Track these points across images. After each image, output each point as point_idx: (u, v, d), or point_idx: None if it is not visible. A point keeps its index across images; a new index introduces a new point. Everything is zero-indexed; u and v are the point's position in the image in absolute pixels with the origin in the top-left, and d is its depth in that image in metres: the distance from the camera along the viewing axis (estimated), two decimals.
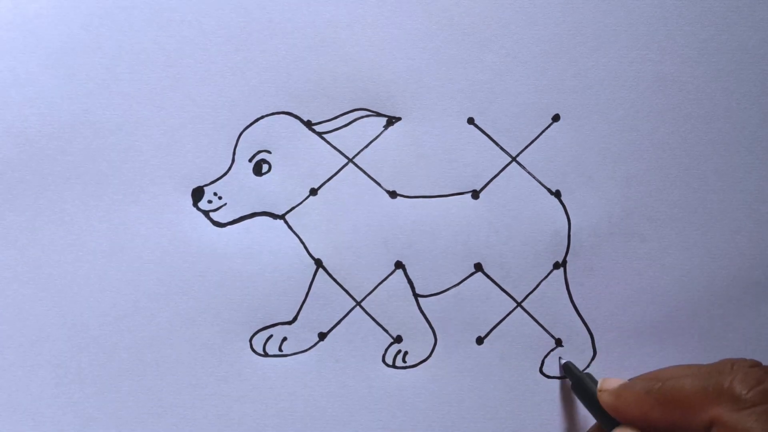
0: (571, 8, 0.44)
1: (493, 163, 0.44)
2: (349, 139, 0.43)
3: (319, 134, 0.43)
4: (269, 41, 0.43)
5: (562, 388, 0.45)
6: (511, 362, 0.45)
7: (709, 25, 0.44)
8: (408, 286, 0.44)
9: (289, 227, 0.43)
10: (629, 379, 0.40)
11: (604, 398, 0.39)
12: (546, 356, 0.45)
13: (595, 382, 0.41)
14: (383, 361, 0.44)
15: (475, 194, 0.44)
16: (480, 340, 0.45)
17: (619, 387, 0.39)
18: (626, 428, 0.38)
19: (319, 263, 0.43)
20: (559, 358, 0.44)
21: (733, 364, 0.36)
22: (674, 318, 0.45)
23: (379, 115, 0.43)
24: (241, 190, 0.43)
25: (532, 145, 0.44)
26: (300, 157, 0.43)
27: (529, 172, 0.44)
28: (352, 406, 0.44)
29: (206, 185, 0.43)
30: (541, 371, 0.45)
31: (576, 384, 0.42)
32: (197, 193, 0.43)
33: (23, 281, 0.43)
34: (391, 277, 0.44)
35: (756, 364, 0.36)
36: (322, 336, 0.44)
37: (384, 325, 0.44)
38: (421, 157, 0.44)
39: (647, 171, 0.44)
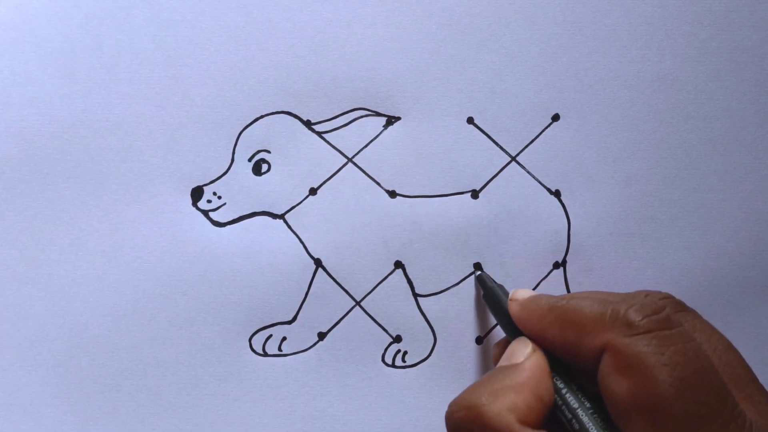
0: (571, 8, 0.44)
1: (492, 162, 0.44)
2: (349, 138, 0.43)
3: (319, 134, 0.43)
4: (269, 41, 0.43)
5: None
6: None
7: (709, 25, 0.44)
8: (408, 285, 0.44)
9: (289, 227, 0.43)
10: (543, 294, 0.39)
11: (512, 307, 0.38)
12: None
13: (507, 294, 0.40)
14: (383, 360, 0.44)
15: (475, 194, 0.44)
16: (480, 340, 0.44)
17: (527, 299, 0.38)
18: (519, 342, 0.37)
19: (318, 263, 0.43)
20: (474, 271, 0.44)
21: (644, 294, 0.35)
22: None
23: (378, 114, 0.44)
24: (240, 190, 0.43)
25: (531, 144, 0.44)
26: (299, 157, 0.43)
27: (528, 172, 0.44)
28: (351, 406, 0.44)
29: (206, 185, 0.43)
30: None
31: (488, 294, 0.42)
32: (197, 193, 0.43)
33: (23, 281, 0.43)
34: (390, 276, 0.44)
35: (666, 296, 0.35)
36: (321, 336, 0.44)
37: (383, 325, 0.44)
38: (421, 157, 0.44)
39: (647, 171, 0.44)
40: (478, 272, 0.44)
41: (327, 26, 0.43)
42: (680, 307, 0.35)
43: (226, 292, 0.43)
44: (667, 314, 0.33)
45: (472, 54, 0.44)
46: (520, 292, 0.39)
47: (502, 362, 0.37)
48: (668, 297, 0.35)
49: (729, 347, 0.34)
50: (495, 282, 0.43)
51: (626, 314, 0.33)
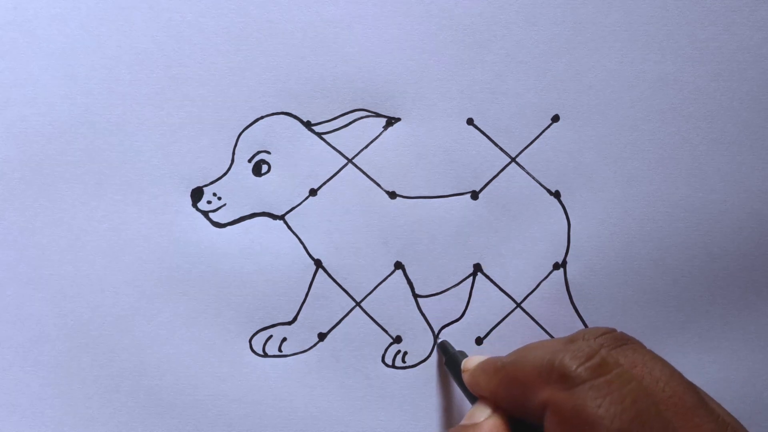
0: (571, 8, 0.44)
1: (492, 163, 0.44)
2: (349, 139, 0.43)
3: (319, 135, 0.43)
4: (269, 41, 0.43)
5: None
6: None
7: (709, 25, 0.44)
8: (408, 286, 0.44)
9: (289, 228, 0.43)
10: (492, 357, 0.39)
11: (465, 378, 0.39)
12: None
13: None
14: (383, 361, 0.44)
15: (475, 195, 0.44)
16: (480, 340, 0.45)
17: (476, 366, 0.38)
18: (479, 404, 0.37)
19: (318, 263, 0.43)
20: (436, 338, 0.44)
21: (584, 335, 0.34)
22: (674, 318, 0.45)
23: (378, 115, 0.43)
24: (240, 191, 0.43)
25: (531, 145, 0.44)
26: (299, 158, 0.43)
27: (528, 173, 0.44)
28: (351, 406, 0.44)
29: (206, 185, 0.43)
30: None
31: (448, 361, 0.43)
32: (197, 194, 0.43)
33: (23, 281, 0.43)
34: (390, 277, 0.44)
35: (607, 332, 0.34)
36: (321, 336, 0.44)
37: (384, 326, 0.44)
38: (421, 158, 0.44)
39: (647, 171, 0.44)
40: (440, 339, 0.44)
41: (327, 26, 0.43)
42: (619, 341, 0.34)
43: (226, 293, 0.43)
44: (601, 357, 0.32)
45: (473, 54, 0.44)
46: (471, 361, 0.40)
47: (464, 421, 0.37)
48: (607, 332, 0.34)
49: (672, 375, 0.32)
50: (455, 349, 0.43)
51: (561, 364, 0.32)
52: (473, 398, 0.39)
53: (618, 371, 0.32)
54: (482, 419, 0.36)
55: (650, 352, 0.33)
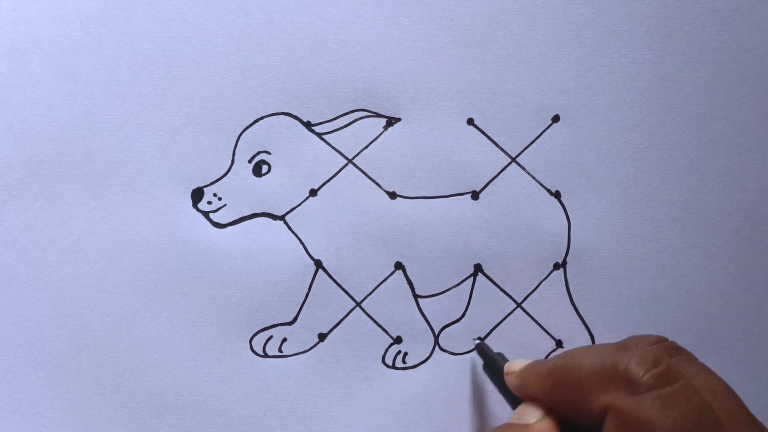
0: (571, 8, 0.44)
1: (492, 163, 0.44)
2: (349, 139, 0.43)
3: (319, 135, 0.43)
4: (269, 42, 0.43)
5: None
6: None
7: (709, 25, 0.44)
8: (408, 286, 0.44)
9: (289, 228, 0.43)
10: (540, 360, 0.38)
11: (510, 381, 0.38)
12: (546, 357, 0.45)
13: (506, 361, 0.40)
14: (383, 361, 0.44)
15: (475, 195, 0.44)
16: (480, 341, 0.45)
17: (523, 369, 0.37)
18: (528, 405, 0.36)
19: (318, 264, 0.43)
20: (473, 339, 0.44)
21: (637, 341, 0.33)
22: (674, 318, 0.45)
23: (378, 115, 0.43)
24: (240, 191, 0.43)
25: (531, 145, 0.44)
26: (300, 158, 0.43)
27: (528, 173, 0.44)
28: (352, 407, 0.44)
29: (206, 186, 0.43)
30: None
31: (487, 364, 0.42)
32: (197, 194, 0.43)
33: (23, 281, 0.43)
34: (390, 277, 0.44)
35: (660, 341, 0.34)
36: (322, 337, 0.44)
37: (384, 326, 0.44)
38: (421, 158, 0.44)
39: (647, 171, 0.44)
40: (478, 341, 0.44)
41: (327, 27, 0.43)
42: (676, 351, 0.33)
43: (226, 293, 0.43)
44: (667, 365, 0.32)
45: (473, 55, 0.44)
46: (515, 364, 0.39)
47: (513, 420, 0.36)
48: (662, 341, 0.34)
49: (727, 390, 0.32)
50: (494, 352, 0.42)
51: (627, 369, 0.32)
52: (514, 401, 0.38)
53: (683, 382, 0.31)
54: (533, 420, 0.35)
55: (703, 364, 0.33)
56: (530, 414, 0.36)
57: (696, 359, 0.33)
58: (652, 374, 0.31)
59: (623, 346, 0.33)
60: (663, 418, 0.30)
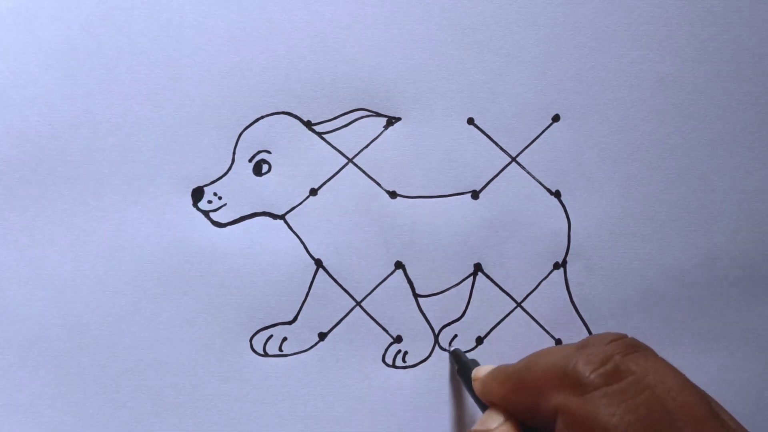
0: (571, 8, 0.44)
1: (492, 163, 0.44)
2: (349, 139, 0.43)
3: (319, 134, 0.43)
4: (269, 41, 0.43)
5: None
6: (511, 362, 0.45)
7: (709, 25, 0.44)
8: (408, 286, 0.44)
9: (289, 227, 0.43)
10: (503, 365, 0.38)
11: (476, 387, 0.39)
12: None
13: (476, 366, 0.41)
14: (383, 361, 0.44)
15: (475, 194, 0.44)
16: (480, 340, 0.45)
17: (487, 375, 0.38)
18: (490, 411, 0.36)
19: (319, 263, 0.43)
20: (449, 345, 0.44)
21: (594, 340, 0.33)
22: (674, 318, 0.45)
23: (378, 115, 0.43)
24: (241, 191, 0.43)
25: (532, 145, 0.44)
26: (300, 158, 0.43)
27: (528, 173, 0.44)
28: (352, 406, 0.44)
29: (206, 185, 0.43)
30: None
31: (460, 370, 0.42)
32: (197, 194, 0.43)
33: (24, 282, 0.43)
34: (391, 277, 0.44)
35: (617, 338, 0.33)
36: (322, 336, 0.44)
37: (384, 325, 0.44)
38: (421, 158, 0.44)
39: (647, 171, 0.44)
40: (453, 348, 0.44)
41: (327, 26, 0.43)
42: (631, 348, 0.33)
43: (226, 293, 0.43)
44: (615, 364, 0.31)
45: (473, 54, 0.44)
46: (481, 370, 0.39)
47: (476, 427, 0.37)
48: (619, 338, 0.33)
49: (685, 386, 0.31)
50: (467, 357, 0.43)
51: (575, 369, 0.32)
52: (485, 407, 0.38)
53: (631, 379, 0.31)
54: (494, 426, 0.36)
55: (662, 360, 0.33)
56: (492, 420, 0.36)
57: (655, 355, 0.33)
58: (598, 373, 0.31)
59: (582, 345, 0.33)
60: (609, 416, 0.30)
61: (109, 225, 0.43)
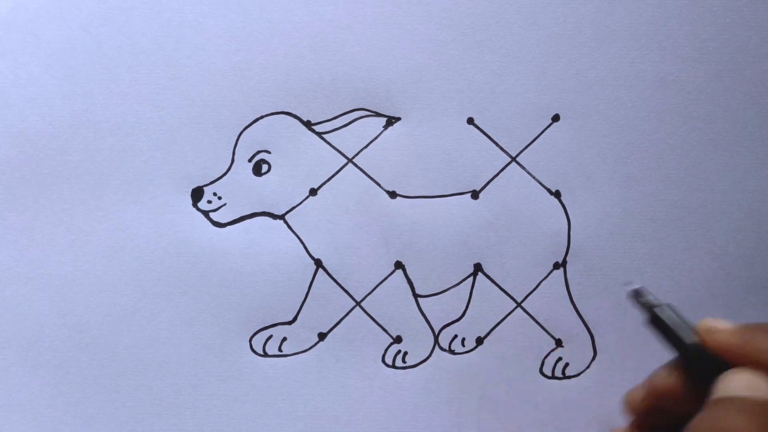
0: (571, 8, 0.44)
1: (492, 163, 0.44)
2: (349, 139, 0.43)
3: (319, 134, 0.43)
4: (269, 41, 0.43)
5: (562, 388, 0.45)
6: (511, 362, 0.45)
7: (709, 25, 0.44)
8: (408, 286, 0.44)
9: (289, 227, 0.43)
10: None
11: (722, 338, 0.29)
12: (546, 356, 0.45)
13: (681, 317, 0.32)
14: (383, 361, 0.44)
15: (475, 194, 0.44)
16: (480, 340, 0.45)
17: (741, 327, 0.29)
18: (744, 371, 0.27)
19: (318, 263, 0.43)
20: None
21: None
22: None
23: (378, 115, 0.43)
24: (240, 191, 0.43)
25: (532, 145, 0.44)
26: (300, 158, 0.43)
27: (528, 173, 0.44)
28: (352, 406, 0.44)
29: (206, 185, 0.43)
30: (541, 372, 0.45)
31: (657, 317, 0.32)
32: (197, 194, 0.43)
33: (23, 281, 0.43)
34: (390, 277, 0.44)
35: None
36: (321, 336, 0.44)
37: (384, 326, 0.44)
38: (421, 157, 0.44)
39: (647, 171, 0.44)
40: (636, 286, 0.34)
41: (327, 26, 0.43)
42: None
43: (226, 293, 0.43)
44: None
45: (472, 54, 0.44)
46: (716, 322, 0.30)
47: (737, 392, 0.27)
48: None
49: None
50: (657, 299, 0.33)
51: None
52: (705, 368, 0.29)
53: None
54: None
55: None
56: (755, 380, 0.27)
57: None
58: None
59: None
60: None
61: (109, 225, 0.43)
